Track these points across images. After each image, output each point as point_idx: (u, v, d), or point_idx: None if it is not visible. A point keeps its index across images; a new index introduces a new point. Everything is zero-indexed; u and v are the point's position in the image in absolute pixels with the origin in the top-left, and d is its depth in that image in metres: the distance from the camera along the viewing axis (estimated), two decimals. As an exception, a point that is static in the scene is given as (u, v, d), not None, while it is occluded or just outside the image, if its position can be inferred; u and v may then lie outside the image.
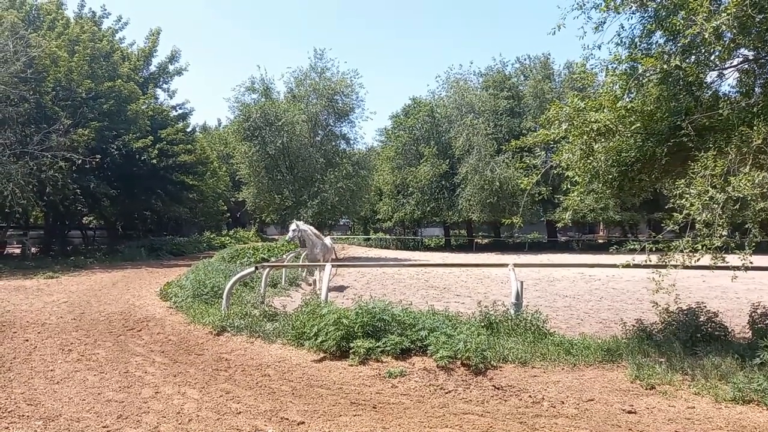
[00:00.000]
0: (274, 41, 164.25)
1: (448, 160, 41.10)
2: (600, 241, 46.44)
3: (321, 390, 5.81)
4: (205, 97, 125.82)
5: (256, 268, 9.67)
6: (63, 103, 21.63)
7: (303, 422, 4.83)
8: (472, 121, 38.52)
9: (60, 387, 5.84)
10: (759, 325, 6.90)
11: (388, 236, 51.62)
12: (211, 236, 41.96)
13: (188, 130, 37.87)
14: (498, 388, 5.77)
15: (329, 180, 32.23)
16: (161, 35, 32.11)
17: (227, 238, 43.99)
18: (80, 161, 19.22)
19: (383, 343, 6.82)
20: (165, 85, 33.74)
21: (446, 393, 5.70)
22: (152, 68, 32.69)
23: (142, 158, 26.76)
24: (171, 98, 35.69)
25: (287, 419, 4.90)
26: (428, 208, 42.27)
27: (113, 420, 4.88)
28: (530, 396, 5.52)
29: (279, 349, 7.47)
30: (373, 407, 5.27)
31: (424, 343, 6.83)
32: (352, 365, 6.57)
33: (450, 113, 42.48)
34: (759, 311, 7.13)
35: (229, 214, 53.44)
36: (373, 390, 5.81)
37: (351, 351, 6.77)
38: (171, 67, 33.62)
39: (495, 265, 10.00)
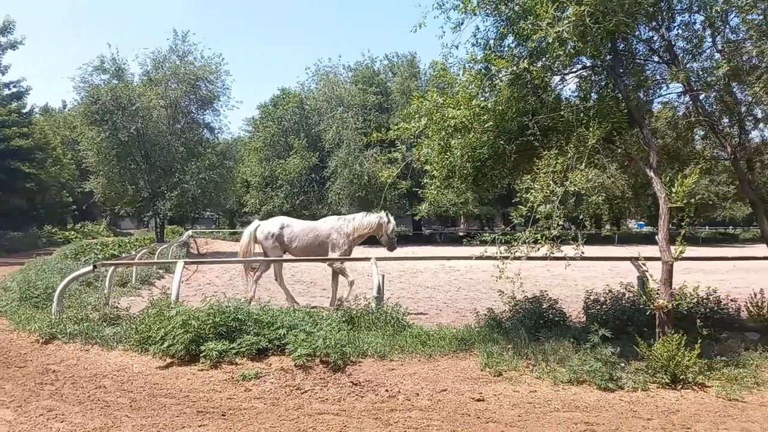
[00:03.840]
0: (128, 20, 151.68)
1: (318, 153, 40.86)
2: (460, 233, 49.12)
3: (165, 399, 5.29)
4: (48, 76, 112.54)
5: (95, 266, 8.66)
6: None
7: (139, 438, 4.33)
8: (341, 115, 38.62)
9: None
10: (591, 311, 7.58)
11: (256, 230, 50.03)
12: (53, 231, 37.54)
13: (24, 111, 33.62)
14: (356, 384, 5.68)
15: (191, 170, 30.42)
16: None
17: (73, 232, 39.76)
18: None
19: (238, 344, 6.42)
20: (-6, 60, 29.44)
21: (303, 393, 5.49)
22: (-23, 40, 28.35)
23: (-37, 141, 23.14)
24: (2, 75, 31.29)
25: (120, 436, 4.37)
26: (298, 201, 41.70)
27: None
28: (387, 390, 5.50)
29: (119, 356, 6.73)
30: (222, 415, 4.90)
31: (283, 342, 6.55)
32: (202, 370, 6.09)
33: (320, 106, 42.23)
34: (592, 297, 7.83)
35: (75, 207, 48.27)
36: (224, 395, 5.42)
37: (202, 354, 6.28)
38: (3, 40, 29.43)
39: (358, 259, 10.00)
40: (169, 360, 6.37)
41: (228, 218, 58.79)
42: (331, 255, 10.00)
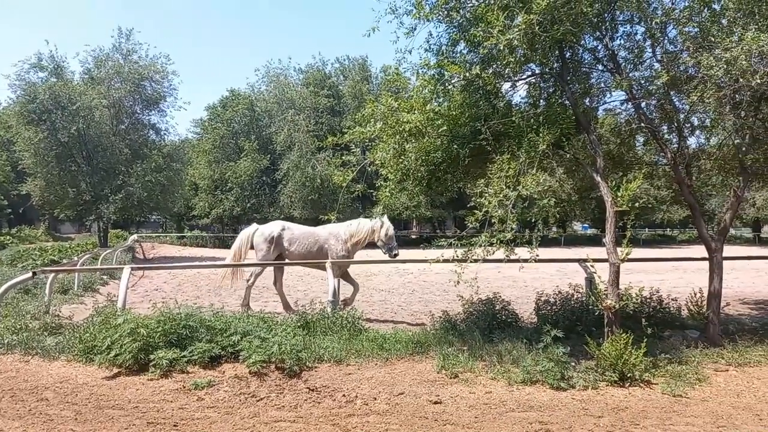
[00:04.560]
0: (69, 20, 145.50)
1: (269, 156, 40.35)
2: (413, 236, 49.51)
3: (112, 411, 5.08)
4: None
5: (34, 273, 8.22)
6: None
7: (85, 454, 4.14)
8: (293, 117, 38.31)
9: None
10: (543, 312, 7.79)
11: (205, 234, 48.84)
12: (-14, 236, 35.54)
13: (-48, 109, 31.71)
14: (312, 390, 5.62)
15: (136, 173, 29.38)
16: None
17: (8, 237, 37.66)
18: None
19: (189, 352, 6.23)
20: None
21: (258, 401, 5.38)
22: None
23: None
24: (-71, 70, 29.35)
25: (65, 453, 4.16)
26: (249, 205, 41.04)
27: None
28: (344, 395, 5.46)
29: (62, 367, 6.41)
30: (174, 425, 4.74)
31: (237, 349, 6.40)
32: (151, 379, 5.88)
33: (270, 108, 41.78)
34: (543, 299, 8.04)
35: (10, 210, 45.78)
36: (176, 405, 5.24)
37: (151, 363, 6.06)
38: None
39: (313, 262, 9.89)
40: (116, 370, 6.12)
41: (175, 222, 57.14)
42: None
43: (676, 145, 7.72)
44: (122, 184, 29.40)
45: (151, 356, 6.10)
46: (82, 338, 6.67)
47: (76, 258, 16.83)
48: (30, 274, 8.24)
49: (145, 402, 5.33)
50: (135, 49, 31.78)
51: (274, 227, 10.20)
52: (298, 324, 7.38)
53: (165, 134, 34.28)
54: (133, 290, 13.72)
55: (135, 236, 35.16)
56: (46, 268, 10.38)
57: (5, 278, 11.41)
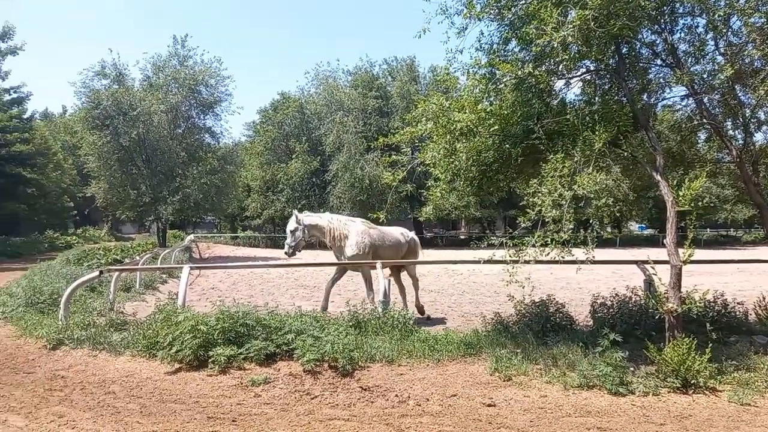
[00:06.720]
0: (126, 22, 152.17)
1: (318, 157, 40.97)
2: (462, 237, 49.14)
3: (174, 405, 5.30)
4: (48, 81, 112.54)
5: (101, 272, 8.66)
6: None
7: (151, 445, 4.33)
8: (341, 119, 38.72)
9: None
10: (599, 315, 7.57)
11: (257, 234, 50.08)
12: (55, 236, 37.58)
13: (25, 116, 33.75)
14: (365, 390, 5.68)
15: (192, 175, 30.44)
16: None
17: (74, 237, 39.83)
18: None
19: (246, 349, 6.42)
20: (-5, 66, 29.62)
21: (312, 398, 5.48)
22: (-23, 46, 28.52)
23: (-35, 147, 23.22)
24: (3, 80, 31.34)
25: (132, 443, 4.37)
26: (299, 206, 41.72)
27: None
28: (396, 395, 5.50)
29: (127, 361, 6.73)
30: (233, 420, 4.90)
31: (291, 347, 6.54)
32: (210, 375, 6.09)
33: (320, 110, 42.40)
34: (599, 301, 7.82)
35: (76, 212, 48.34)
36: (234, 401, 5.42)
37: (210, 360, 6.28)
38: (2, 46, 29.55)
39: (363, 263, 9.95)
40: (177, 365, 6.37)
41: (229, 222, 58.83)
42: None
43: (741, 142, 7.37)
44: (179, 186, 30.49)
45: (210, 353, 6.32)
46: (146, 334, 6.98)
47: (137, 257, 17.58)
48: (97, 273, 8.68)
49: (204, 397, 5.53)
50: (189, 54, 32.93)
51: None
52: (350, 323, 7.47)
53: (220, 137, 35.39)
54: (191, 289, 14.19)
55: (192, 236, 36.42)
56: (111, 267, 10.90)
57: (73, 276, 12.06)
